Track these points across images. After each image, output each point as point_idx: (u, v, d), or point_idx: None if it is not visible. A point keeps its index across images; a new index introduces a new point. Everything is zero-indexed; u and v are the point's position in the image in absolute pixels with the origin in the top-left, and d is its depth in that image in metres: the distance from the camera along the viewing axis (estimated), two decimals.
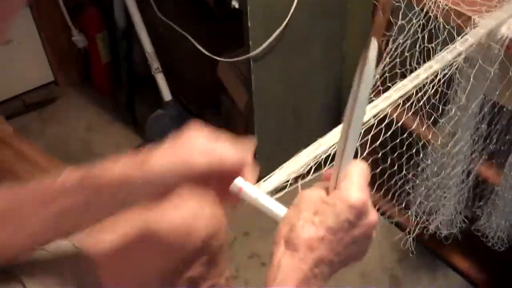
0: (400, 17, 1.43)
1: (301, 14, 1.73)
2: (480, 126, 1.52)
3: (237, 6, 1.62)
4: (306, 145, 2.05)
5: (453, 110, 1.46)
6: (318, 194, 0.72)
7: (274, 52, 1.76)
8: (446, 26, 1.37)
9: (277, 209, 0.81)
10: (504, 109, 1.48)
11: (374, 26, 0.65)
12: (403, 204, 1.74)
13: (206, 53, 1.82)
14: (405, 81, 1.22)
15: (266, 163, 2.00)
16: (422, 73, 1.24)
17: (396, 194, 1.69)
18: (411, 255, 1.79)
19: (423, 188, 1.67)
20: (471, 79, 1.37)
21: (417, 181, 1.67)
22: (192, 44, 1.85)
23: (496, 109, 1.49)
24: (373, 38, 0.64)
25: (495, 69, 1.36)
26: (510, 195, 1.55)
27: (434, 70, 1.24)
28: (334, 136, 1.12)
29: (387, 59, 1.46)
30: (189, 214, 0.99)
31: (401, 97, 1.19)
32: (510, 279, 1.88)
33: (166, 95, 2.14)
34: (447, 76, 1.29)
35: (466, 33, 1.31)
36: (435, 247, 1.94)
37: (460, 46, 1.27)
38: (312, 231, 0.70)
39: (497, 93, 1.43)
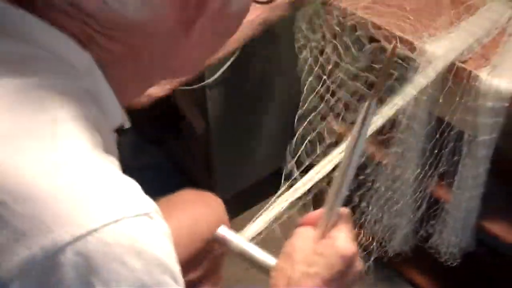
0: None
1: (257, 40, 1.74)
2: (427, 147, 1.58)
3: None
4: (264, 166, 2.09)
5: (399, 131, 1.54)
6: (309, 244, 0.75)
7: (230, 78, 1.81)
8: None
9: (264, 257, 0.84)
10: (452, 132, 1.53)
11: (375, 87, 0.66)
12: (361, 225, 1.79)
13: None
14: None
15: (227, 183, 2.08)
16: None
17: (354, 216, 1.74)
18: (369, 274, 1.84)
19: (375, 209, 1.75)
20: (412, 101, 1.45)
21: (372, 201, 1.73)
22: None
23: (446, 131, 1.54)
24: (373, 99, 0.69)
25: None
26: (459, 212, 1.61)
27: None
28: (309, 180, 1.18)
29: None
30: (193, 216, 1.10)
31: None
32: None
33: (126, 122, 2.13)
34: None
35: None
36: (392, 264, 1.97)
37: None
38: (309, 283, 0.73)
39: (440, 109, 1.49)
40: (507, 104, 1.31)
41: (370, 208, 1.74)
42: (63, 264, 0.49)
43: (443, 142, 1.55)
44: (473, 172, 1.48)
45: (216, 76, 1.75)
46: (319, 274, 0.73)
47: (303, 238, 0.76)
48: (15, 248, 0.49)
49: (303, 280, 0.73)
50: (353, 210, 1.71)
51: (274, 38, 1.88)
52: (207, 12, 0.63)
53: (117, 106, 0.69)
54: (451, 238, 1.68)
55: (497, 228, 1.63)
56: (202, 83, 1.76)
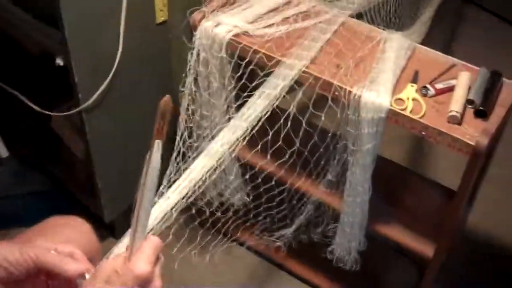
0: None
1: (128, 62, 1.78)
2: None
3: (61, 63, 1.65)
4: None
5: None
6: (113, 264, 0.82)
7: (106, 101, 1.79)
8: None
9: None
10: (338, 144, 1.62)
11: (155, 130, 0.82)
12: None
13: (37, 108, 1.84)
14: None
15: (113, 203, 2.05)
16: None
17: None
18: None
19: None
20: None
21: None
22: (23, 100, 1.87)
23: (334, 142, 1.64)
24: (156, 140, 0.81)
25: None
26: (354, 217, 1.66)
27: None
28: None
29: None
30: (62, 240, 1.04)
31: None
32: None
33: (3, 152, 2.18)
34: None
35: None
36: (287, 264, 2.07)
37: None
38: None
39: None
40: (384, 115, 1.42)
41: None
42: None
43: (329, 153, 1.64)
44: (361, 179, 1.55)
45: (91, 100, 1.73)
46: None
47: (115, 259, 0.83)
48: None
49: None
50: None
51: (143, 59, 1.87)
52: None
53: None
54: (350, 245, 1.74)
55: (383, 228, 1.74)
56: (78, 108, 1.74)
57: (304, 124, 1.52)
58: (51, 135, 2.12)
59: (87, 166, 1.93)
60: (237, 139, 1.39)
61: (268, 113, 1.44)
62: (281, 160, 1.65)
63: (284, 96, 1.49)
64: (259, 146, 1.51)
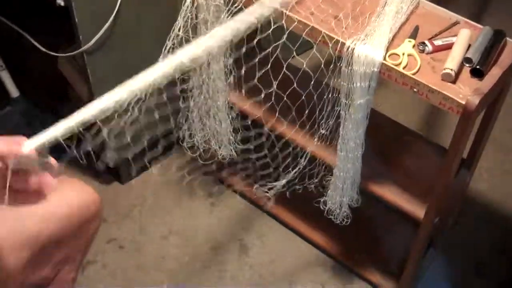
0: None
1: (129, 5, 1.78)
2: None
3: (62, 3, 1.66)
4: (153, 125, 2.17)
5: None
6: None
7: (107, 43, 1.81)
8: None
9: None
10: (331, 95, 1.59)
11: None
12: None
13: (42, 48, 1.86)
14: None
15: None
16: None
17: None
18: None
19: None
20: None
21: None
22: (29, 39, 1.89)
23: (325, 93, 1.61)
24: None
25: None
26: (346, 173, 1.67)
27: None
28: None
29: None
30: (63, 200, 1.17)
31: None
32: (357, 247, 2.04)
33: (13, 92, 2.18)
34: None
35: None
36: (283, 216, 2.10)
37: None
38: None
39: None
40: (377, 70, 1.40)
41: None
42: None
43: (323, 103, 1.62)
44: (353, 134, 1.54)
45: (92, 42, 1.75)
46: None
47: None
48: None
49: None
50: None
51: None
52: None
53: None
54: (342, 200, 1.74)
55: (376, 186, 1.73)
56: (79, 50, 1.76)
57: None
58: (58, 77, 2.14)
59: None
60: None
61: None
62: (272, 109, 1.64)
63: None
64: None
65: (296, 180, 1.84)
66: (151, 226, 2.13)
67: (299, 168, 1.78)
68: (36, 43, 1.87)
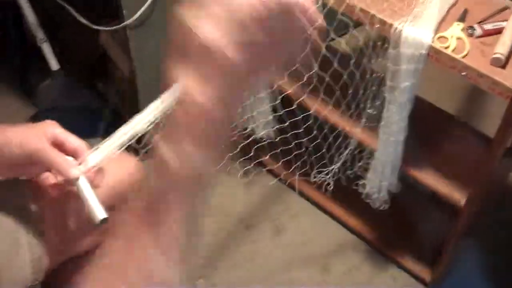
0: None
1: None
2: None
3: None
4: None
5: None
6: None
7: (150, 19, 1.81)
8: None
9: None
10: (374, 74, 1.60)
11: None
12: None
13: (85, 22, 1.87)
14: None
15: None
16: None
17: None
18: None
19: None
20: None
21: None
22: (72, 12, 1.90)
23: (368, 75, 1.61)
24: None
25: None
26: (387, 157, 1.65)
27: None
28: None
29: None
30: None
31: None
32: (392, 233, 2.03)
33: (53, 64, 2.18)
34: None
35: None
36: (318, 199, 2.09)
37: None
38: None
39: None
40: (425, 52, 1.37)
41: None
42: None
43: (366, 85, 1.62)
44: (396, 118, 1.52)
45: (135, 16, 1.75)
46: None
47: None
48: None
49: None
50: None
51: None
52: None
53: None
54: (381, 184, 1.72)
55: (417, 172, 1.70)
56: (122, 24, 1.76)
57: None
58: (100, 52, 2.14)
59: (132, 84, 1.96)
60: None
61: None
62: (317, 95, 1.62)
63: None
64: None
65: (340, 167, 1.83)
66: None
67: (350, 150, 1.77)
68: (79, 17, 1.87)
